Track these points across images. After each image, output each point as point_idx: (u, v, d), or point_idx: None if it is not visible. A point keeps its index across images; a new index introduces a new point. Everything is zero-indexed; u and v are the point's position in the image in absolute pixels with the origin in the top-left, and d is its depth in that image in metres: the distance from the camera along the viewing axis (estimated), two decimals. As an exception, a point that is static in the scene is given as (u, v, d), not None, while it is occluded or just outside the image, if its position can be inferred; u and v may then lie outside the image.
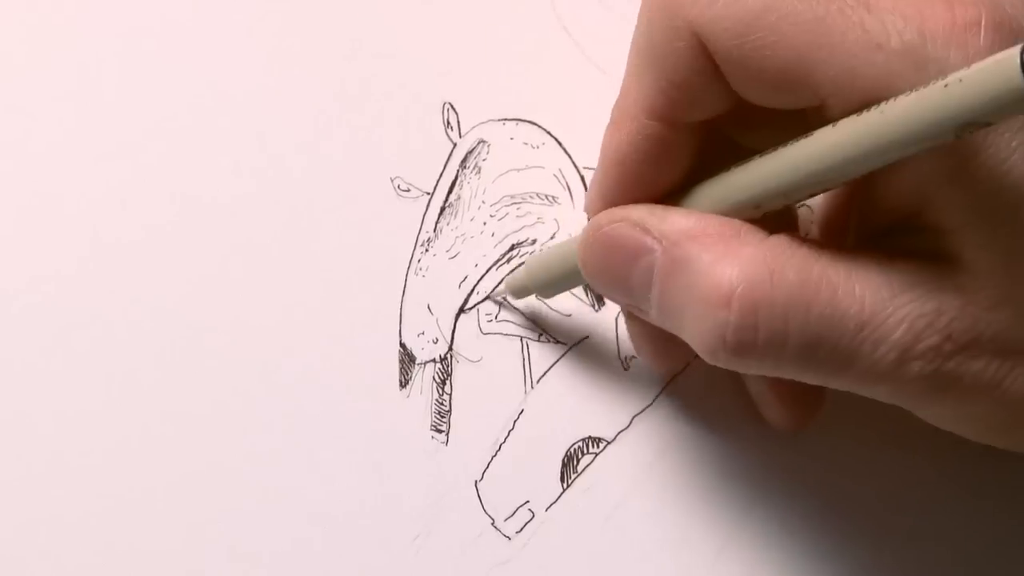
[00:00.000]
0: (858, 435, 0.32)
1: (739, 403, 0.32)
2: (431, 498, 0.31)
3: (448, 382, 0.32)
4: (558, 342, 0.32)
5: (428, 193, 0.33)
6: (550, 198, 0.33)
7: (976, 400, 0.25)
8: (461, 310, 0.32)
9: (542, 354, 0.32)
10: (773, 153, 0.25)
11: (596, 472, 0.31)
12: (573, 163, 0.33)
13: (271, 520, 0.30)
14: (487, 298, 0.32)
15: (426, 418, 0.31)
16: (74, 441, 0.30)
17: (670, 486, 0.31)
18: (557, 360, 0.32)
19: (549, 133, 0.33)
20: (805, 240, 0.25)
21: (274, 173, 0.32)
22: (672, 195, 0.28)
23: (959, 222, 0.24)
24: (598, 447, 0.32)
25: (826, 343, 0.24)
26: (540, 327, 0.32)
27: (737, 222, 0.26)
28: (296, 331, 0.31)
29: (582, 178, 0.33)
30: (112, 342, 0.31)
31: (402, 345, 0.32)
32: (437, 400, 0.31)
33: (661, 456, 0.32)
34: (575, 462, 0.32)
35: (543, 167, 0.33)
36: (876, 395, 0.25)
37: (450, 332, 0.32)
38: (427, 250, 0.32)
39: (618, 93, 0.28)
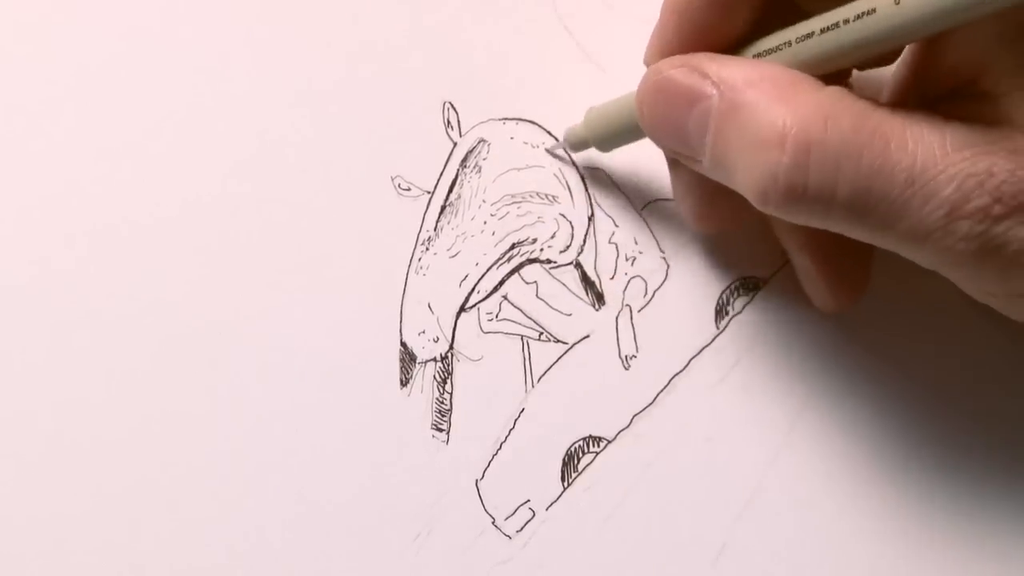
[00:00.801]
0: (857, 423, 0.32)
1: (739, 403, 0.32)
2: (432, 497, 0.31)
3: (449, 381, 0.32)
4: (558, 341, 0.32)
5: (429, 192, 0.33)
6: (550, 197, 0.33)
7: (1021, 270, 0.24)
8: (462, 309, 0.32)
9: (543, 353, 0.32)
10: (836, 10, 0.25)
11: (596, 471, 0.31)
12: (573, 162, 0.33)
13: (271, 519, 0.30)
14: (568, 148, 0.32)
15: (427, 417, 0.31)
16: (73, 439, 0.30)
17: (670, 485, 0.31)
18: (558, 359, 0.32)
19: (549, 133, 0.33)
20: (862, 95, 0.25)
21: (274, 172, 0.32)
22: (734, 49, 0.28)
23: (1014, 87, 0.24)
24: (598, 446, 0.32)
25: (875, 193, 0.24)
26: (540, 326, 0.32)
27: (796, 72, 0.26)
28: (296, 330, 0.31)
29: (582, 177, 0.33)
30: (112, 342, 0.31)
31: (403, 344, 0.32)
32: (438, 399, 0.31)
33: (661, 455, 0.32)
34: (575, 461, 0.32)
35: (543, 166, 0.33)
36: (921, 258, 0.25)
37: (451, 331, 0.32)
38: (428, 249, 0.32)
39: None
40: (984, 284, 0.26)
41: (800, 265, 0.31)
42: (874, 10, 0.24)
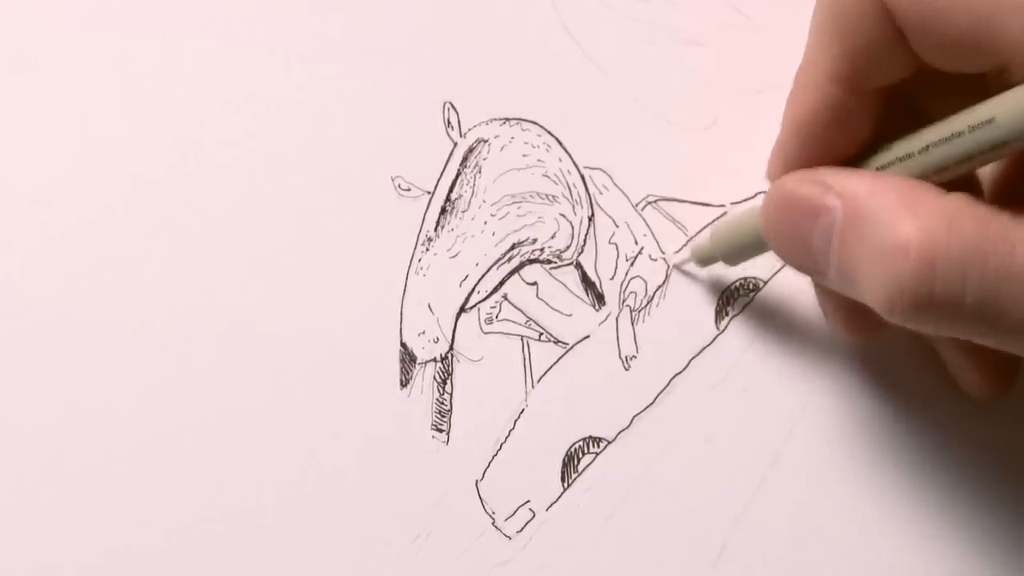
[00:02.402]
0: (856, 424, 0.32)
1: (739, 404, 0.32)
2: (432, 498, 0.31)
3: (449, 381, 0.32)
4: (559, 341, 0.32)
5: (429, 192, 0.33)
6: (550, 197, 0.33)
7: None
8: (462, 309, 0.32)
9: (543, 354, 0.32)
10: (953, 118, 0.25)
11: (597, 472, 0.32)
12: (574, 162, 0.33)
13: (272, 519, 0.30)
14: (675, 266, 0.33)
15: (427, 417, 0.31)
16: (74, 440, 0.30)
17: (671, 486, 0.31)
18: (558, 360, 0.32)
19: (550, 132, 0.33)
20: (984, 199, 0.25)
21: (275, 173, 0.32)
22: (855, 161, 0.28)
23: None
24: (599, 447, 0.32)
25: (1004, 298, 0.24)
26: (540, 327, 0.32)
27: (917, 181, 0.26)
28: (297, 330, 0.31)
29: (582, 177, 0.33)
30: (112, 342, 0.31)
31: (403, 344, 0.32)
32: (438, 399, 0.31)
33: (661, 456, 0.32)
34: (576, 462, 0.32)
35: (544, 166, 0.33)
36: None
37: (451, 331, 0.32)
38: (428, 249, 0.32)
39: (800, 61, 0.28)
40: None
41: (950, 358, 0.31)
42: (992, 119, 0.24)
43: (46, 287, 0.31)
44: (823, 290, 0.31)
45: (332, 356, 0.31)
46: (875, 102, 0.27)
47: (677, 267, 0.33)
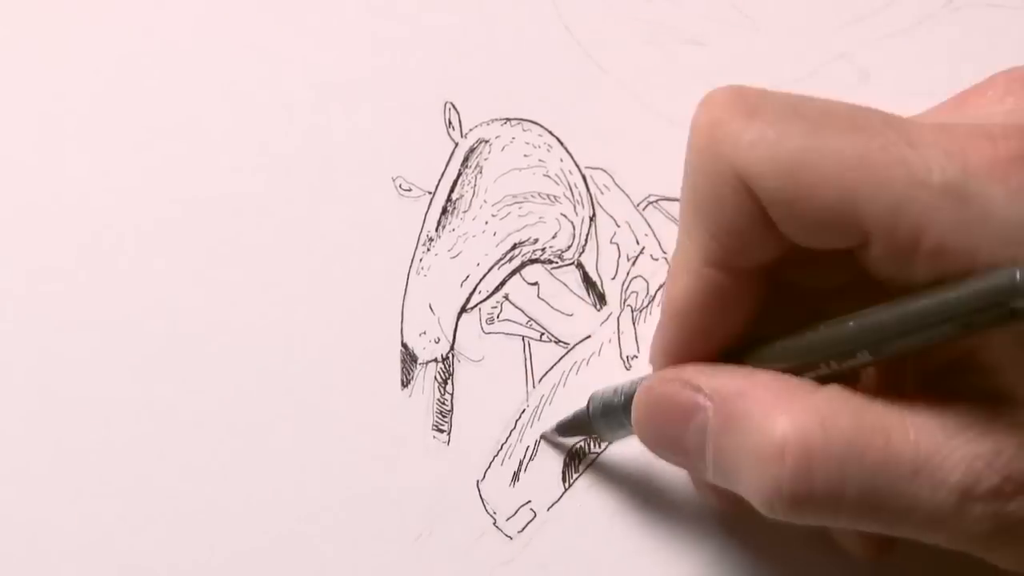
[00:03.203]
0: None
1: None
2: (433, 498, 0.31)
3: (450, 382, 0.32)
4: (560, 342, 0.32)
5: (430, 192, 0.33)
6: (552, 197, 0.33)
7: None
8: (463, 309, 0.32)
9: (544, 354, 0.32)
10: (829, 324, 0.25)
11: (598, 472, 0.32)
12: (575, 162, 0.33)
13: (273, 520, 0.30)
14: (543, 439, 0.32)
15: (428, 418, 0.31)
16: (74, 441, 0.30)
17: (672, 486, 0.31)
18: (559, 360, 0.32)
19: (551, 132, 0.33)
20: (857, 389, 0.25)
21: (275, 173, 0.32)
22: (736, 346, 0.27)
23: (1010, 360, 0.24)
24: (600, 447, 0.32)
25: (883, 490, 0.24)
26: (541, 327, 0.32)
27: (788, 376, 0.25)
28: (298, 331, 0.31)
29: (583, 177, 0.33)
30: (113, 343, 0.31)
31: (404, 345, 0.32)
32: (439, 400, 0.31)
33: (663, 456, 0.32)
34: (577, 462, 0.32)
35: (545, 166, 0.33)
36: (940, 541, 0.25)
37: (452, 331, 0.32)
38: (429, 249, 0.32)
39: (674, 244, 0.28)
40: (1003, 560, 0.25)
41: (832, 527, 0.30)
42: (853, 353, 0.24)
43: (45, 287, 0.31)
44: (697, 479, 0.31)
45: (333, 356, 0.31)
46: (752, 283, 0.27)
47: (545, 437, 0.32)
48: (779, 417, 0.24)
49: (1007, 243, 0.22)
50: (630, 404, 0.28)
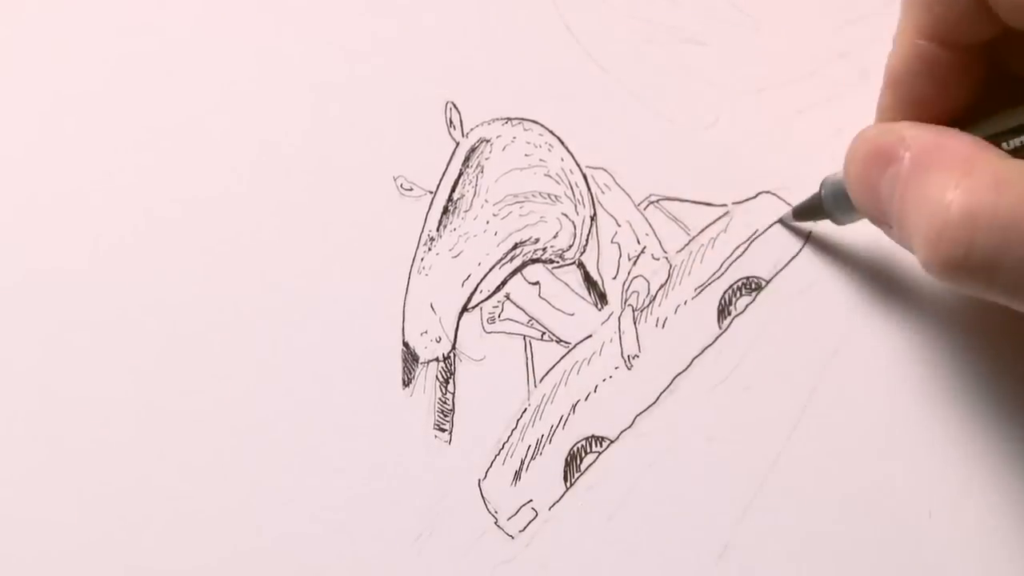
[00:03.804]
0: (858, 424, 0.32)
1: (742, 403, 0.32)
2: (434, 497, 0.31)
3: (451, 381, 0.32)
4: (561, 341, 0.32)
5: (431, 192, 0.33)
6: (552, 197, 0.33)
7: None
8: (464, 309, 0.32)
9: (545, 353, 0.32)
10: None
11: (599, 471, 0.32)
12: (576, 162, 0.33)
13: (274, 519, 0.30)
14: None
15: (429, 417, 0.31)
16: (74, 440, 0.30)
17: (673, 485, 0.31)
18: (560, 359, 0.32)
19: (552, 132, 0.33)
20: None
21: (277, 173, 0.32)
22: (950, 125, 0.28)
23: None
24: (601, 446, 0.32)
25: None
26: (543, 326, 0.32)
27: (984, 143, 0.26)
28: (299, 330, 0.31)
29: (584, 177, 0.33)
30: (114, 342, 0.31)
31: (405, 344, 0.32)
32: (440, 399, 0.31)
33: (664, 455, 0.32)
34: (578, 461, 0.32)
35: (546, 166, 0.33)
36: None
37: (453, 331, 0.32)
38: (430, 249, 0.32)
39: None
40: None
41: None
42: None
43: (46, 287, 0.31)
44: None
45: (334, 355, 0.31)
46: (966, 61, 0.27)
47: (783, 222, 0.33)
48: (958, 173, 0.24)
49: None
50: None
